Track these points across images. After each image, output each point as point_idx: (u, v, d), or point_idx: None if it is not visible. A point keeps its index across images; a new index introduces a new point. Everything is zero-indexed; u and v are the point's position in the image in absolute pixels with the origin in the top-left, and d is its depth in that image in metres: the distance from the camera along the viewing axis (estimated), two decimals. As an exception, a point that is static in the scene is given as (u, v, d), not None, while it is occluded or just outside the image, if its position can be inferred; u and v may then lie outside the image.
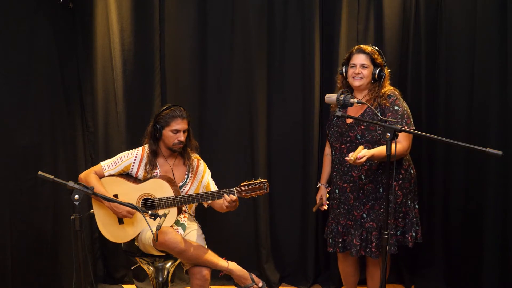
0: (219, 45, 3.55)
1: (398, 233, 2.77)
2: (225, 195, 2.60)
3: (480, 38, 3.09)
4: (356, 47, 2.80)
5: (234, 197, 2.61)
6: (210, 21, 3.53)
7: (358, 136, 2.72)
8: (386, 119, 2.54)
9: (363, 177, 2.73)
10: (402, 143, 2.65)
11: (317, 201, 3.02)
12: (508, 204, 2.96)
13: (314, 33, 3.43)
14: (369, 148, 2.65)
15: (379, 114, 2.63)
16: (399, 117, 2.67)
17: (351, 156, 2.47)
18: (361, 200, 2.75)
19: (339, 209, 2.82)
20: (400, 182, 2.74)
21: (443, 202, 3.41)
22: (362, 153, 2.51)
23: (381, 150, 2.57)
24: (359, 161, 2.49)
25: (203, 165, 2.89)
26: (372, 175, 2.72)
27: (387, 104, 2.70)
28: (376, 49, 2.77)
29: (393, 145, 2.25)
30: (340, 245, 2.81)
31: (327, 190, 2.99)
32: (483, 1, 3.06)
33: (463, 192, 3.27)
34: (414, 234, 2.79)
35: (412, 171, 2.83)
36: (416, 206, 2.85)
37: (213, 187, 2.88)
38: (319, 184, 3.04)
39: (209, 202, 2.81)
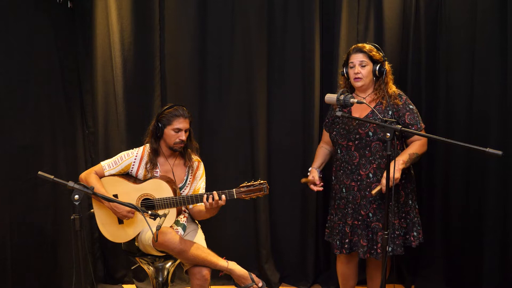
0: (219, 45, 3.55)
1: (402, 233, 2.77)
2: (215, 196, 2.59)
3: (480, 38, 3.08)
4: (353, 46, 2.79)
5: (221, 202, 2.60)
6: (210, 21, 3.53)
7: (370, 134, 2.69)
8: (387, 119, 2.51)
9: (371, 175, 2.71)
10: (421, 141, 2.74)
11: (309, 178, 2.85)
12: (508, 204, 2.95)
13: (314, 33, 3.43)
14: (379, 146, 2.68)
15: (390, 113, 2.68)
16: (415, 116, 2.73)
17: (375, 191, 2.58)
18: (367, 199, 2.73)
19: (346, 209, 2.78)
20: (403, 181, 2.74)
21: (443, 202, 3.40)
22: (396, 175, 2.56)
23: (406, 154, 2.66)
24: (383, 183, 2.56)
25: (202, 169, 2.89)
26: (380, 174, 2.70)
27: (400, 103, 2.72)
28: (374, 46, 2.76)
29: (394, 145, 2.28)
30: (346, 246, 2.77)
31: (320, 175, 2.87)
32: (483, 1, 3.06)
33: (463, 192, 3.27)
34: (416, 234, 2.79)
35: (412, 172, 2.83)
36: (416, 206, 2.85)
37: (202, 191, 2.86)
38: (310, 169, 2.90)
39: (190, 207, 2.81)
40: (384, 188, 2.55)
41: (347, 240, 2.77)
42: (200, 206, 2.77)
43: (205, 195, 2.60)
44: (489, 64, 3.03)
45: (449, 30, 3.31)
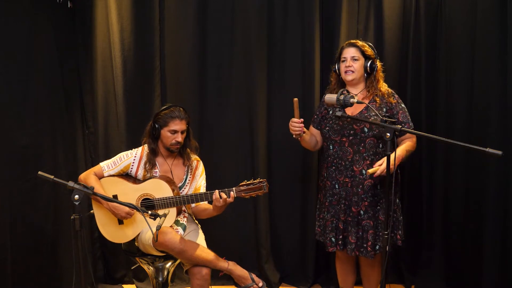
0: (219, 45, 3.55)
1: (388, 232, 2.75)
2: (223, 194, 2.59)
3: (480, 38, 3.08)
4: (346, 42, 2.84)
5: (230, 199, 2.59)
6: (210, 21, 3.53)
7: (366, 129, 2.70)
8: (387, 119, 2.51)
9: (364, 172, 2.72)
10: (412, 139, 2.77)
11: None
12: (508, 204, 2.95)
13: (314, 33, 3.43)
14: (373, 142, 2.70)
15: (384, 110, 2.70)
16: (407, 115, 2.76)
17: (372, 170, 2.58)
18: (359, 196, 2.73)
19: (339, 205, 2.78)
20: (393, 180, 2.73)
21: (443, 202, 3.40)
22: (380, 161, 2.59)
23: (400, 152, 2.66)
24: (381, 168, 2.57)
25: (201, 168, 2.89)
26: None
27: (393, 102, 2.75)
28: (367, 43, 2.80)
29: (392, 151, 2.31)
30: (340, 242, 2.78)
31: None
32: (483, 1, 3.06)
33: (463, 192, 3.26)
34: (401, 232, 2.81)
35: (398, 170, 2.84)
36: (400, 205, 2.87)
37: (203, 190, 2.85)
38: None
39: (193, 206, 2.81)
40: (378, 172, 2.57)
41: (340, 237, 2.78)
42: (204, 204, 2.77)
43: (216, 193, 2.59)
44: (489, 64, 3.02)
45: (449, 30, 3.31)
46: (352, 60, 2.74)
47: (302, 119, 2.76)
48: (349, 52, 2.75)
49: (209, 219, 2.85)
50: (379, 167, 2.59)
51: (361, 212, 2.73)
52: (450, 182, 3.35)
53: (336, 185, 2.79)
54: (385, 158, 2.56)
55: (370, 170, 2.61)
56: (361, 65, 2.75)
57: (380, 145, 2.72)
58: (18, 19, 2.93)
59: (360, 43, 2.77)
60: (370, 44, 2.81)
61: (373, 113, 2.70)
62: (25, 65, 2.99)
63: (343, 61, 2.77)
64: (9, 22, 2.88)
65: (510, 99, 2.89)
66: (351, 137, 2.73)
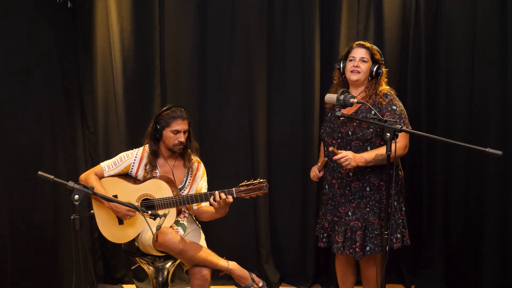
0: (219, 45, 3.55)
1: (381, 233, 2.72)
2: (222, 195, 2.58)
3: (480, 38, 3.09)
4: (356, 42, 2.83)
5: (229, 200, 2.59)
6: (210, 21, 3.53)
7: (350, 133, 2.72)
8: (386, 119, 2.51)
9: (351, 174, 2.73)
10: (399, 142, 2.62)
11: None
12: (508, 204, 2.95)
13: (314, 33, 3.43)
14: (359, 145, 2.70)
15: (375, 110, 2.66)
16: (397, 117, 2.68)
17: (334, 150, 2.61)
18: (347, 197, 2.74)
19: (328, 205, 2.84)
20: (392, 181, 2.72)
21: (443, 202, 3.40)
22: (344, 153, 2.60)
23: (373, 153, 2.63)
24: (336, 157, 2.60)
25: (202, 170, 2.88)
26: (360, 173, 2.71)
27: (384, 103, 2.71)
28: (375, 47, 2.79)
29: (393, 146, 2.29)
30: (324, 240, 2.83)
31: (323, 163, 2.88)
32: (483, 1, 3.06)
33: (463, 192, 3.26)
34: (399, 236, 2.76)
35: (400, 172, 2.82)
36: (403, 208, 2.82)
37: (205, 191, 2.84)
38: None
39: (195, 208, 2.81)
40: (337, 155, 2.61)
41: (325, 235, 2.83)
42: (206, 207, 2.77)
43: (212, 196, 2.59)
44: (489, 64, 3.02)
45: (449, 30, 3.31)
46: (360, 61, 2.73)
47: (322, 174, 2.85)
48: (359, 53, 2.74)
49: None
50: (343, 153, 2.61)
51: (349, 213, 2.74)
52: (450, 182, 3.36)
53: (326, 186, 2.84)
54: (348, 152, 2.62)
55: (333, 148, 2.64)
56: (368, 67, 2.74)
57: (368, 147, 2.71)
58: (18, 19, 2.93)
59: (369, 45, 2.77)
60: (378, 49, 2.80)
61: (362, 115, 2.70)
62: (25, 65, 2.99)
63: (351, 60, 2.76)
64: (9, 22, 2.88)
65: (510, 99, 2.89)
66: (339, 140, 2.76)
